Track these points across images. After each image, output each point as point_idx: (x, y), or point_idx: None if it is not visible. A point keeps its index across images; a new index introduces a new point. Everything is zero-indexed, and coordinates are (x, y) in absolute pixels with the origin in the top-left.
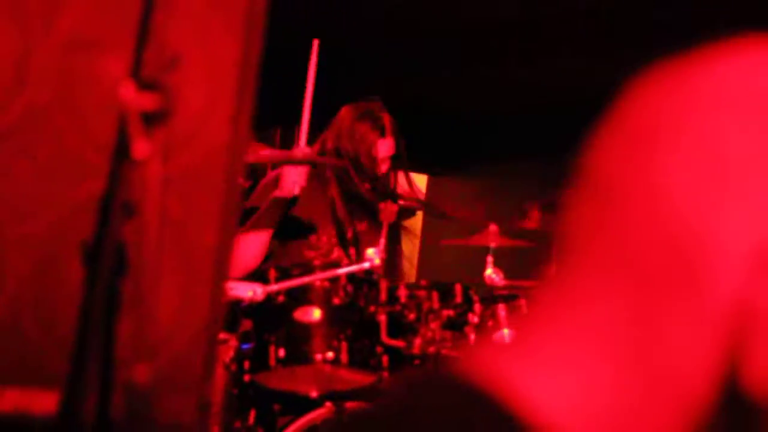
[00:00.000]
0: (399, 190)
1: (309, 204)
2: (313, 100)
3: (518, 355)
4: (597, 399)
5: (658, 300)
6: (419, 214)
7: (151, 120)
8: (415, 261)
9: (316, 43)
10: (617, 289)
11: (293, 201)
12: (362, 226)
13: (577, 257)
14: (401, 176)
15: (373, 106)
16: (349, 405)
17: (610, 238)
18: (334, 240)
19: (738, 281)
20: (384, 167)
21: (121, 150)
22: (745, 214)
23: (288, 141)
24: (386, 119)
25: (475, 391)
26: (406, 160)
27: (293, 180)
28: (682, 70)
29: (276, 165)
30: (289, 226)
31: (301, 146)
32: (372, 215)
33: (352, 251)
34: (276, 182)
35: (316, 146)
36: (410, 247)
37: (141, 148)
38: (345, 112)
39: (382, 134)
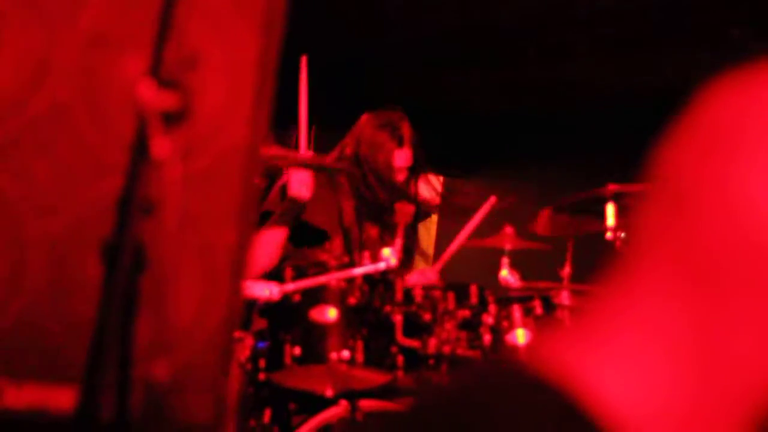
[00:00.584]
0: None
1: (320, 209)
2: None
3: (585, 349)
4: (659, 396)
5: (724, 302)
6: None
7: (171, 119)
8: (430, 261)
9: (304, 60)
10: (685, 288)
11: (303, 205)
12: (374, 231)
13: (645, 255)
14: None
15: (394, 116)
16: (364, 404)
17: (680, 238)
18: (349, 245)
19: None
20: (401, 176)
21: (141, 149)
22: None
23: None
24: (405, 129)
25: (543, 383)
26: (423, 170)
27: (300, 183)
28: (764, 76)
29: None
30: (304, 231)
31: (302, 151)
32: (386, 220)
33: (366, 254)
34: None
35: (335, 152)
36: (425, 246)
37: (160, 147)
38: (365, 120)
39: (400, 144)
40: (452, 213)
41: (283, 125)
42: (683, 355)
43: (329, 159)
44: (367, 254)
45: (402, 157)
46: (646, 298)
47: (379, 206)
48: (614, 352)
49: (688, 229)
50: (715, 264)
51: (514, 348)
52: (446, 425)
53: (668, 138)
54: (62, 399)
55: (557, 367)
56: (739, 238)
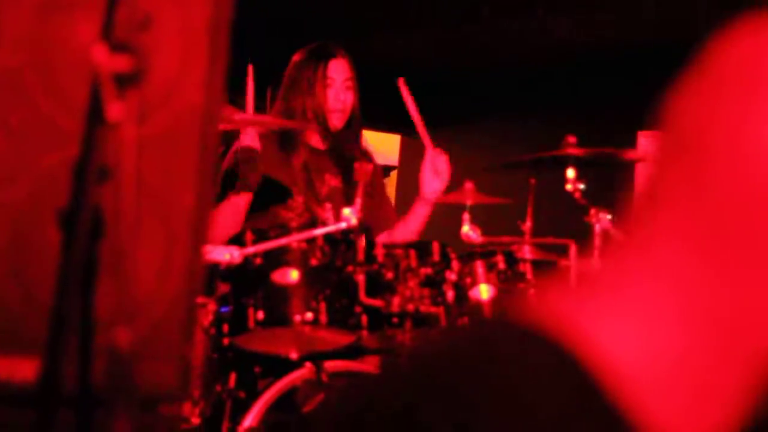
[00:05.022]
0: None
1: (279, 168)
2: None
3: (589, 303)
4: (663, 352)
5: (737, 255)
6: (393, 174)
7: (124, 82)
8: None
9: (250, 69)
10: (696, 240)
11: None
12: (336, 182)
13: (656, 206)
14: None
15: (321, 43)
16: (329, 365)
17: (694, 188)
18: (310, 200)
19: None
20: (346, 94)
21: (95, 113)
22: None
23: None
24: (334, 45)
25: (544, 339)
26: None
27: (249, 136)
28: None
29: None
30: (266, 191)
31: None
32: (345, 172)
33: (327, 206)
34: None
35: (276, 106)
36: None
37: (114, 110)
38: (294, 58)
39: (334, 55)
40: None
41: (239, 89)
42: (699, 310)
43: (271, 113)
44: (328, 206)
45: (338, 67)
46: (659, 249)
47: (334, 156)
48: (622, 306)
49: (702, 178)
50: (728, 212)
51: (480, 304)
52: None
53: (678, 86)
54: (25, 370)
55: (559, 321)
56: (749, 186)
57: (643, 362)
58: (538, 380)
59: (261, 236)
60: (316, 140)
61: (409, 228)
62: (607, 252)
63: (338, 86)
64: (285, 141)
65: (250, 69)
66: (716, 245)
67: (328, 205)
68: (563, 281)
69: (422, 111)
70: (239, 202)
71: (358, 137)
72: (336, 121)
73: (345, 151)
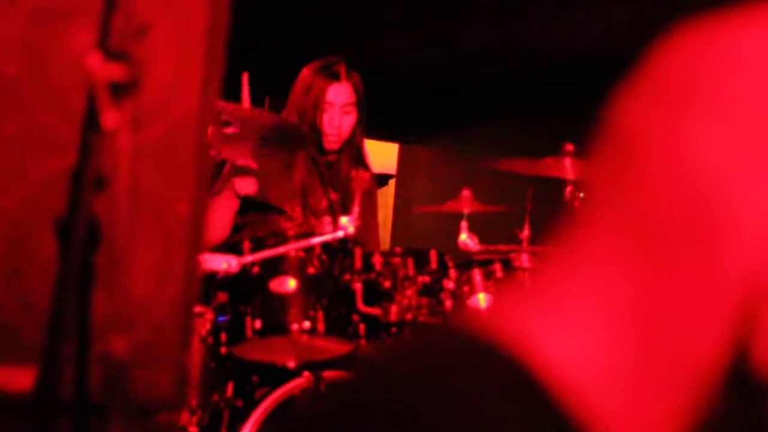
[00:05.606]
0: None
1: (279, 180)
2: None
3: (538, 317)
4: (594, 360)
5: (673, 263)
6: (391, 183)
7: (120, 90)
8: (388, 228)
9: (245, 76)
10: (629, 251)
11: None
12: (334, 196)
13: (594, 214)
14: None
15: (332, 60)
16: (327, 374)
17: (629, 196)
18: (307, 210)
19: (755, 253)
20: (343, 119)
21: (91, 121)
22: None
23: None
24: (342, 67)
25: (488, 346)
26: (365, 109)
27: (244, 185)
28: (720, 28)
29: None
30: (264, 200)
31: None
32: (342, 186)
33: (328, 219)
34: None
35: (283, 113)
36: (383, 215)
37: (110, 119)
38: (303, 71)
39: (336, 78)
40: None
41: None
42: (625, 320)
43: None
44: (328, 219)
45: (338, 92)
46: (590, 260)
47: (335, 169)
48: (558, 315)
49: (634, 189)
50: (661, 226)
51: (473, 312)
52: (391, 395)
53: (618, 93)
54: (22, 379)
55: (506, 330)
56: (685, 199)
57: (581, 369)
58: (494, 391)
59: (259, 245)
60: (315, 154)
61: None
62: (553, 262)
63: (335, 111)
64: (286, 153)
65: (245, 77)
66: (643, 258)
67: (327, 219)
68: (515, 297)
69: (421, 117)
70: (228, 204)
71: (355, 156)
72: (330, 144)
73: (342, 168)
